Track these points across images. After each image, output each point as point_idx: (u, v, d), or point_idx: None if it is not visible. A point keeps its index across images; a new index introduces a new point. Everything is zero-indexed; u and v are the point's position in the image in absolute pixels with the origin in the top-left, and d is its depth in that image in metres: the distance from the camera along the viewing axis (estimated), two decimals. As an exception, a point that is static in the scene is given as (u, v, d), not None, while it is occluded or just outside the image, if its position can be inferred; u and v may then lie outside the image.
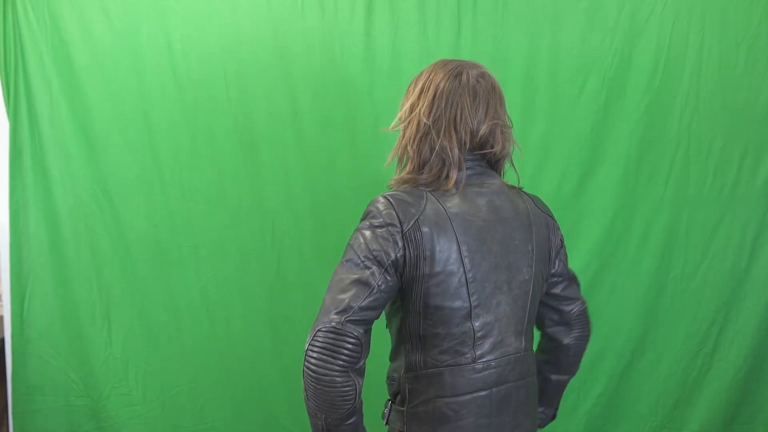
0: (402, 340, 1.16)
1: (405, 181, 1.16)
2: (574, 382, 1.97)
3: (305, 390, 1.04)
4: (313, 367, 1.01)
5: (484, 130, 1.13)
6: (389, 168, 1.24)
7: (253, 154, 1.92)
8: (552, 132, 1.92)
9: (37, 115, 1.89)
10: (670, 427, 2.03)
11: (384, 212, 1.08)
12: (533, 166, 1.94)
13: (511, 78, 1.90)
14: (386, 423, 1.21)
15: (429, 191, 1.12)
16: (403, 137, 1.17)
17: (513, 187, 1.23)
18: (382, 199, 1.10)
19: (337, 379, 1.01)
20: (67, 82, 1.88)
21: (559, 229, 1.28)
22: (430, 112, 1.13)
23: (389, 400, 1.21)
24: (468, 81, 1.14)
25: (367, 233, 1.08)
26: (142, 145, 1.91)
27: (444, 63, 1.18)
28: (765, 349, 1.98)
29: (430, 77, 1.16)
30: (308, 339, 1.03)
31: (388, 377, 1.21)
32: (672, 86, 1.90)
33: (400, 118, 1.19)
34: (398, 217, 1.07)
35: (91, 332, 1.96)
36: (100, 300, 1.95)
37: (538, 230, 1.20)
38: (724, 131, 1.91)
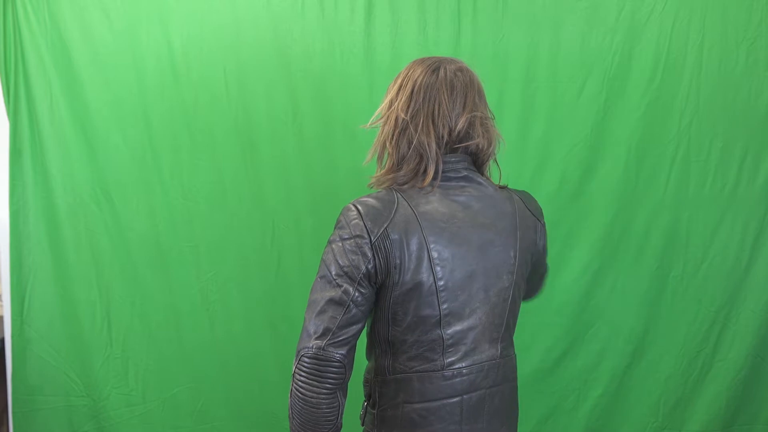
0: (372, 344, 1.17)
1: (383, 181, 1.15)
2: (574, 383, 1.98)
3: (291, 408, 1.06)
4: (301, 389, 1.04)
5: (462, 122, 1.11)
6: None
7: (253, 154, 1.92)
8: (552, 132, 1.92)
9: (37, 115, 1.89)
10: (670, 427, 2.02)
11: (352, 223, 1.06)
12: (533, 166, 1.94)
13: (511, 78, 1.90)
14: (362, 424, 1.22)
15: (403, 195, 1.10)
16: (382, 133, 1.16)
17: (501, 188, 1.19)
18: (351, 207, 1.08)
19: (324, 401, 1.04)
20: (67, 82, 1.88)
21: (545, 233, 1.26)
22: (408, 108, 1.12)
23: (365, 401, 1.21)
24: (446, 75, 1.12)
25: (336, 247, 1.06)
26: (142, 145, 1.91)
27: (423, 59, 1.17)
28: (765, 349, 1.97)
29: (409, 73, 1.15)
30: (294, 362, 1.05)
31: (363, 379, 1.21)
32: (672, 86, 1.90)
33: (379, 114, 1.18)
34: (366, 227, 1.05)
35: (91, 332, 1.96)
36: (100, 300, 1.95)
37: (524, 235, 1.17)
38: (724, 131, 1.91)
